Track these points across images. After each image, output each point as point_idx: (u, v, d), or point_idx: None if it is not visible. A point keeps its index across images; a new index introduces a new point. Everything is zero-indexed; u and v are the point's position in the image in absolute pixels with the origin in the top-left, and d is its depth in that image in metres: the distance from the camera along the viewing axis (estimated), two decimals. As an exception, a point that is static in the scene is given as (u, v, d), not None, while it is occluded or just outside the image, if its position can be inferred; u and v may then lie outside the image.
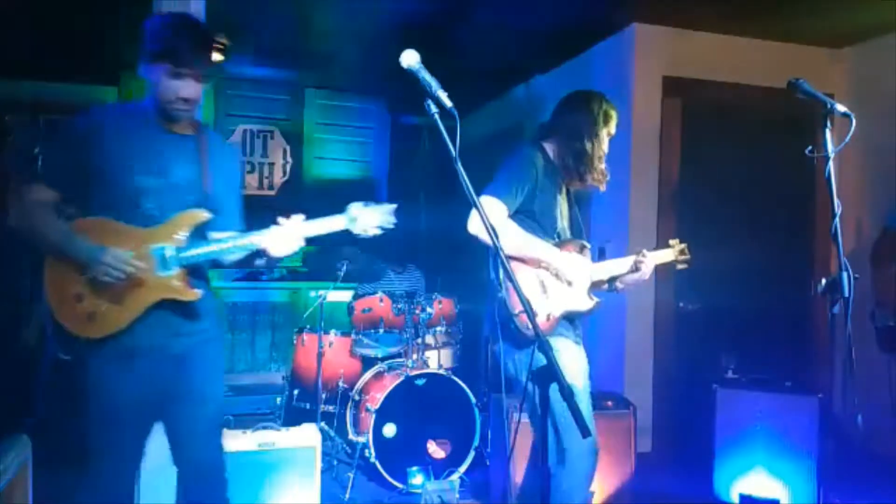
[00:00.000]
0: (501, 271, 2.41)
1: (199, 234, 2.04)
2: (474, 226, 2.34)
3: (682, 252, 2.73)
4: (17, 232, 1.96)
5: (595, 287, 2.64)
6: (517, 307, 2.34)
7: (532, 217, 2.49)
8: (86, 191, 1.96)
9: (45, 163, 2.04)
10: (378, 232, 2.06)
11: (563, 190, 2.60)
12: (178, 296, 1.98)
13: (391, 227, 2.07)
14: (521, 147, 2.57)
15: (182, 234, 1.98)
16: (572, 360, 2.44)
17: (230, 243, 2.01)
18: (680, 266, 2.72)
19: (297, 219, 2.00)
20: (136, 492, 2.13)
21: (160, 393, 2.02)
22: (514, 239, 2.39)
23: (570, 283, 2.47)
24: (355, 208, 2.04)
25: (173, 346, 2.02)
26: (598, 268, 2.58)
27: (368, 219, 2.04)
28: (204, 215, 2.01)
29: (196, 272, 2.06)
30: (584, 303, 2.50)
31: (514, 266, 2.38)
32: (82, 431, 1.96)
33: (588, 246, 2.58)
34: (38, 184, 1.97)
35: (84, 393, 1.95)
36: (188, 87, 1.97)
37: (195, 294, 1.99)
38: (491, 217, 2.25)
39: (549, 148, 2.59)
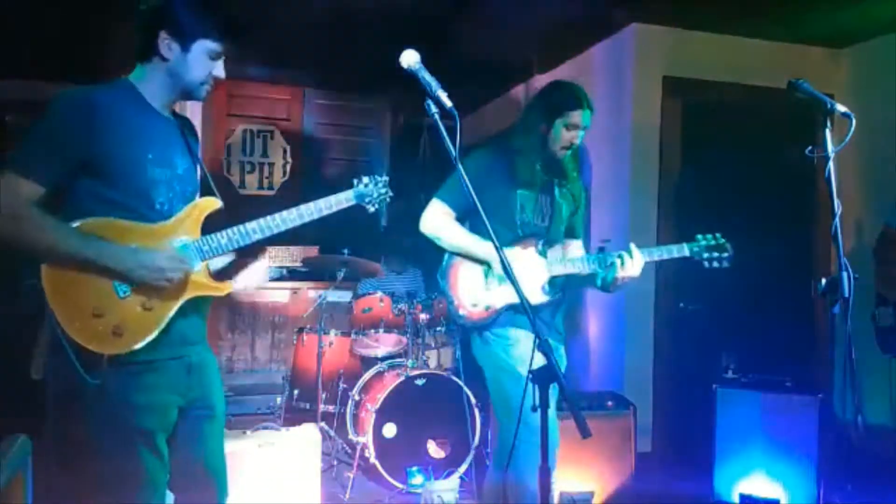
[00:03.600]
0: (444, 268, 2.61)
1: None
2: (426, 225, 2.55)
3: (712, 248, 2.44)
4: (4, 240, 1.66)
5: (585, 284, 2.60)
6: (455, 300, 2.55)
7: (490, 215, 2.47)
8: (78, 186, 1.73)
9: (32, 154, 1.70)
10: (378, 206, 2.03)
11: (537, 184, 2.54)
12: (211, 291, 1.86)
13: (388, 199, 2.05)
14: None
15: (197, 226, 1.86)
16: (525, 352, 2.44)
17: (253, 225, 1.89)
18: (711, 264, 2.44)
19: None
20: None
21: (178, 405, 1.87)
22: (452, 239, 2.52)
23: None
24: (361, 184, 2.02)
25: (189, 355, 1.89)
26: (558, 265, 2.51)
27: (371, 191, 2.02)
28: (217, 203, 1.89)
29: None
30: (531, 297, 2.44)
31: (461, 261, 2.55)
32: (103, 461, 1.75)
33: (559, 242, 2.57)
34: (17, 177, 1.66)
35: (105, 418, 1.73)
36: (222, 67, 1.86)
37: (228, 286, 1.89)
38: (435, 218, 2.53)
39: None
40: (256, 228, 1.90)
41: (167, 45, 1.80)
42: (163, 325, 1.77)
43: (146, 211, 1.78)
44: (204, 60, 1.82)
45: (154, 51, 1.81)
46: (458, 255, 2.55)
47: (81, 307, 1.69)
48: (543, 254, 2.51)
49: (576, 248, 2.69)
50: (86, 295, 1.70)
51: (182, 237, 1.83)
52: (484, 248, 2.45)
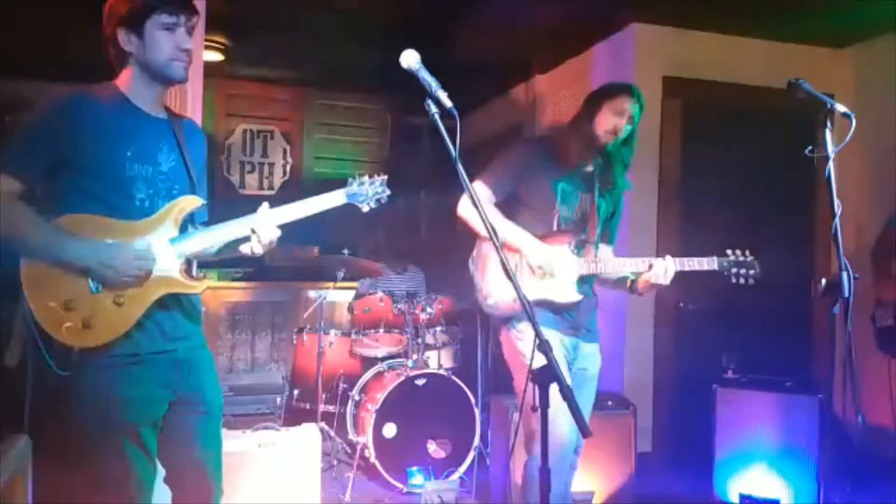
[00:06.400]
0: (474, 255, 2.61)
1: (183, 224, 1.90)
2: (464, 206, 2.51)
3: (737, 265, 2.50)
4: None
5: (615, 287, 2.63)
6: (482, 289, 2.53)
7: (527, 206, 2.53)
8: (61, 183, 1.78)
9: (12, 151, 1.77)
10: (374, 205, 2.00)
11: (578, 176, 2.54)
12: (184, 289, 1.86)
13: (385, 198, 2.02)
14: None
15: (177, 224, 1.86)
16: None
17: (227, 229, 1.89)
18: (738, 279, 2.50)
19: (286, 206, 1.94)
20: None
21: (166, 400, 1.88)
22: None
23: (551, 274, 2.43)
24: (354, 183, 1.99)
25: (176, 350, 1.89)
26: (590, 264, 2.50)
27: (366, 190, 1.99)
28: (198, 202, 1.91)
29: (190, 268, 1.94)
30: (565, 295, 2.46)
31: (489, 249, 2.49)
32: (85, 455, 1.77)
33: (592, 241, 2.54)
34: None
35: (86, 411, 1.75)
36: (185, 37, 1.86)
37: (203, 284, 1.89)
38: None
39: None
40: (230, 231, 1.90)
41: (128, 39, 1.84)
42: (134, 321, 1.78)
43: (127, 206, 1.81)
44: (161, 35, 1.83)
45: (123, 51, 1.85)
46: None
47: (54, 299, 1.72)
48: (577, 252, 2.50)
49: (606, 253, 2.67)
50: (59, 288, 1.72)
51: (159, 235, 1.83)
52: (516, 236, 2.45)
